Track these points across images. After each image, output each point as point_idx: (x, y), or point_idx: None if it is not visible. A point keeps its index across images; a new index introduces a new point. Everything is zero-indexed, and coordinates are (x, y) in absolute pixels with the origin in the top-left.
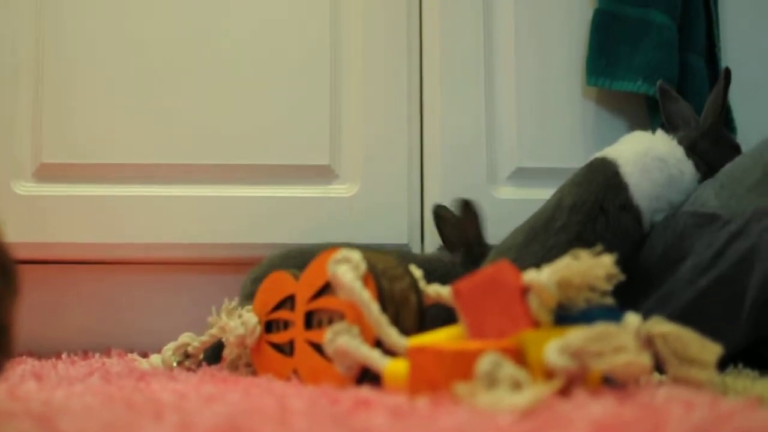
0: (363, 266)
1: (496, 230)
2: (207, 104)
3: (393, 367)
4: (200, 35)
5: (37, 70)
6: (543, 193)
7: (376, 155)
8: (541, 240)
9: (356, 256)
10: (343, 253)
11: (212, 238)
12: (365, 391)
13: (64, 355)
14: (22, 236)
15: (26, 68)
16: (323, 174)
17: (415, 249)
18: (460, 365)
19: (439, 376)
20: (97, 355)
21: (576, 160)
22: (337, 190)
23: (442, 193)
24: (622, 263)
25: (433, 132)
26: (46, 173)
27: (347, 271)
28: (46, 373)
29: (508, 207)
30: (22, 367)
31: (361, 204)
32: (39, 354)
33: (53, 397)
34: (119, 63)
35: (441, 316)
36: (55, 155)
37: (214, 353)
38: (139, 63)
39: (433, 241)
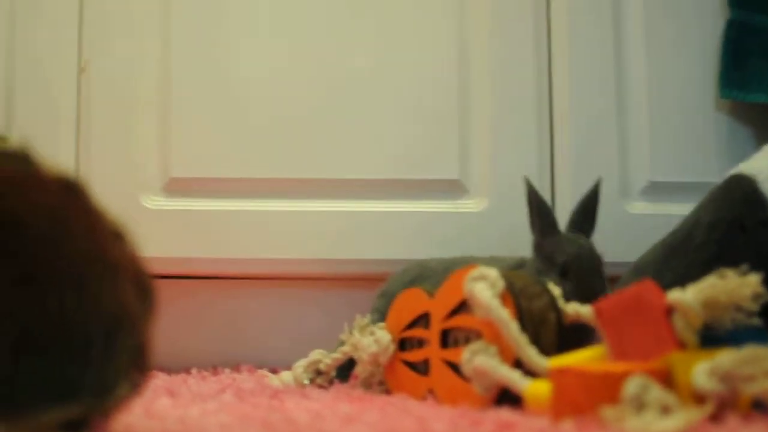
0: (501, 284)
1: (629, 246)
2: (336, 120)
3: (534, 389)
4: (332, 52)
5: (165, 85)
6: (676, 208)
7: (506, 170)
8: (680, 258)
9: (493, 273)
10: (480, 270)
11: (342, 253)
12: (506, 414)
13: (194, 371)
14: (151, 251)
15: (154, 84)
16: (453, 189)
17: None
18: (606, 388)
19: (583, 399)
20: (227, 371)
21: (710, 174)
22: (467, 205)
23: (573, 206)
24: (766, 282)
25: (564, 146)
26: (176, 188)
27: (484, 289)
28: (178, 390)
29: (641, 222)
30: (154, 382)
31: (491, 219)
32: (169, 369)
33: (188, 415)
34: (248, 78)
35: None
36: (184, 170)
37: (342, 370)
38: (265, 76)
39: None
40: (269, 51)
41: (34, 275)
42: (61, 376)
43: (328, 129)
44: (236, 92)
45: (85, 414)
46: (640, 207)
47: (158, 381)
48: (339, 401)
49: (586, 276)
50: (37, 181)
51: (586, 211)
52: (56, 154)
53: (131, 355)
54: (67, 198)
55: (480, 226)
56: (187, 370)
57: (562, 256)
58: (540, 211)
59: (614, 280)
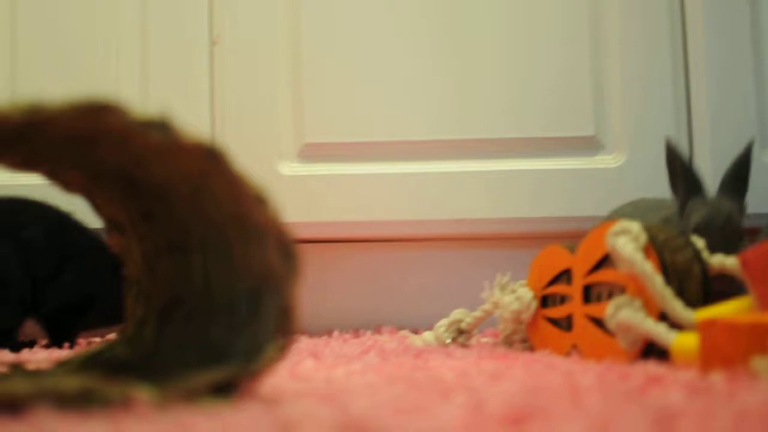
0: (644, 237)
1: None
2: (467, 78)
3: (681, 342)
4: (461, 12)
5: (296, 53)
6: None
7: (642, 124)
8: None
9: (636, 226)
10: (622, 224)
11: (479, 213)
12: (654, 367)
13: (335, 333)
14: (290, 216)
15: (286, 50)
16: (588, 145)
17: None
18: (756, 339)
19: (732, 351)
20: (368, 333)
21: None
22: (604, 160)
23: (712, 159)
24: None
25: (700, 97)
26: (310, 153)
27: (627, 243)
28: (322, 352)
29: None
30: (297, 345)
31: (629, 174)
32: (310, 332)
33: (333, 375)
34: (378, 40)
35: None
36: (318, 135)
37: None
38: (395, 40)
39: None
40: (397, 12)
41: (179, 242)
42: (207, 340)
43: (461, 89)
44: (366, 56)
45: (234, 377)
46: None
47: (301, 344)
48: (483, 359)
49: (717, 240)
50: (180, 149)
51: (738, 173)
52: (192, 125)
53: (277, 318)
54: (209, 164)
55: (617, 182)
56: (329, 333)
57: (696, 218)
58: (682, 173)
59: (754, 232)
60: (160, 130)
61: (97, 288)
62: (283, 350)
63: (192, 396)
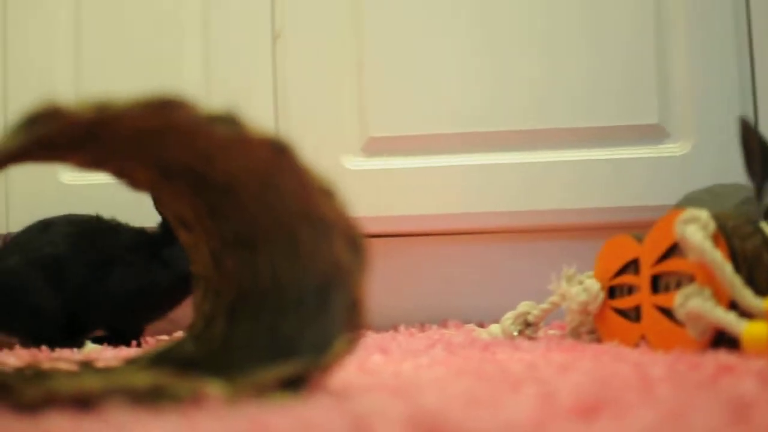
0: (712, 225)
1: None
2: (529, 68)
3: (752, 330)
4: None
5: (359, 47)
6: None
7: (708, 111)
8: None
9: (704, 214)
10: (690, 212)
11: (544, 204)
12: (725, 356)
13: (401, 328)
14: (354, 211)
15: (349, 44)
16: (653, 133)
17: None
18: None
19: None
20: (434, 327)
21: None
22: (669, 149)
23: None
24: None
25: (766, 81)
26: (375, 147)
27: (696, 231)
28: (389, 346)
29: None
30: (364, 340)
31: (695, 163)
32: (376, 327)
33: (402, 369)
34: (440, 32)
35: None
36: (382, 129)
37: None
38: (455, 30)
39: None
40: (455, 4)
41: (246, 237)
42: (277, 335)
43: (517, 78)
44: (428, 47)
45: (303, 372)
46: None
47: (368, 339)
48: (551, 351)
49: None
50: (247, 144)
51: None
52: (255, 120)
53: (345, 312)
54: (276, 158)
55: (683, 170)
56: (395, 328)
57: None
58: (758, 153)
59: None
60: (227, 124)
61: (143, 282)
62: (351, 344)
63: (262, 391)
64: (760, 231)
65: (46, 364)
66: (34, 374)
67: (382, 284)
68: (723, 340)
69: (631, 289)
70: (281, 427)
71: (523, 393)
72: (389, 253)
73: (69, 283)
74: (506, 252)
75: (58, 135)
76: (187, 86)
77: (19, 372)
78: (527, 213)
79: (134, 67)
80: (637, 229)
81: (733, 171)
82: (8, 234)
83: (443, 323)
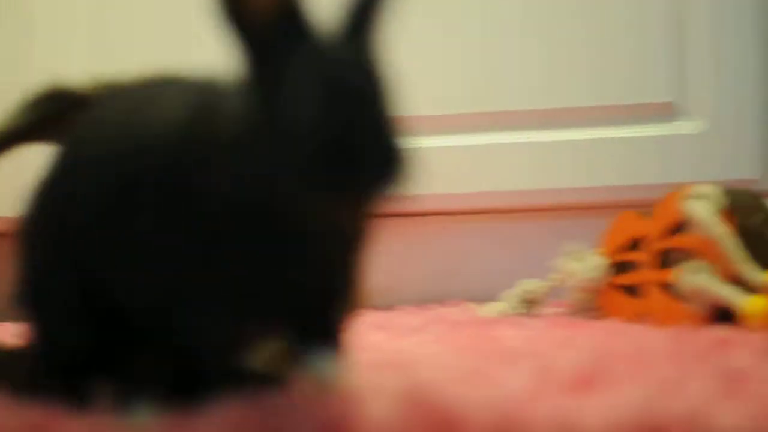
0: (718, 201)
1: None
2: (547, 48)
3: (753, 304)
4: None
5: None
6: None
7: (723, 88)
8: None
9: (710, 191)
10: (698, 189)
11: (550, 183)
12: (724, 330)
13: (400, 306)
14: None
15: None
16: (667, 111)
17: (767, 184)
18: None
19: None
20: (435, 306)
21: None
22: (684, 127)
23: None
24: None
25: None
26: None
27: (704, 207)
28: (389, 324)
29: None
30: (362, 319)
31: (710, 141)
32: (376, 306)
33: (402, 346)
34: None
35: None
36: None
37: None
38: (467, 12)
39: None
40: None
41: None
42: None
43: (538, 56)
44: (436, 31)
45: None
46: None
47: (368, 317)
48: (552, 327)
49: None
50: None
51: None
52: None
53: None
54: None
55: (698, 149)
56: (394, 307)
57: None
58: None
59: None
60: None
61: None
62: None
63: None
64: (763, 208)
65: None
66: None
67: (383, 263)
68: (726, 315)
69: (635, 266)
70: (276, 405)
71: (520, 367)
72: (390, 232)
73: None
74: (506, 230)
75: (64, 114)
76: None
77: None
78: (535, 192)
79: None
80: (648, 207)
81: (748, 147)
82: None
83: (442, 302)
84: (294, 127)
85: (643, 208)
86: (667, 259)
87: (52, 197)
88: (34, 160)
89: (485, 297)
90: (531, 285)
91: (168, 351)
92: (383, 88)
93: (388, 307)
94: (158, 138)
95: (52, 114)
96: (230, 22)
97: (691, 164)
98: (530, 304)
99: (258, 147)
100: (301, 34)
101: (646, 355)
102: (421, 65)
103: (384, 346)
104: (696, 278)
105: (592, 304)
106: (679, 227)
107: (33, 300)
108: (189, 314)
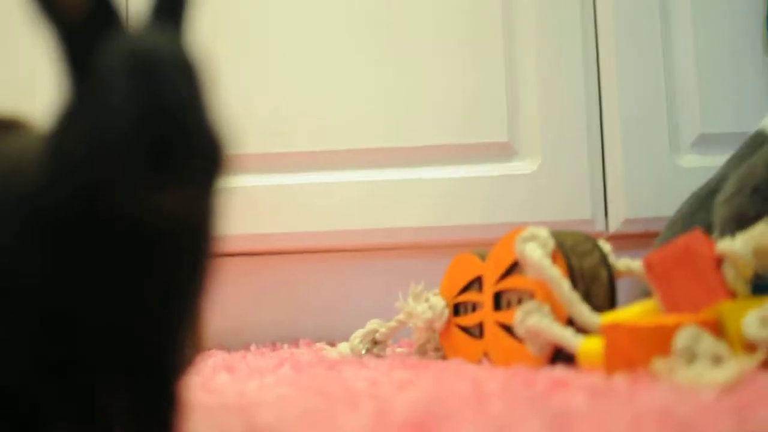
0: (551, 243)
1: (680, 200)
2: (382, 85)
3: (587, 346)
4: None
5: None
6: None
7: (555, 130)
8: (706, 210)
9: (544, 233)
10: (530, 230)
11: (394, 222)
12: (560, 371)
13: (252, 347)
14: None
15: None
16: (502, 151)
17: (599, 224)
18: (658, 341)
19: (635, 353)
20: (285, 346)
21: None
22: (518, 167)
23: (625, 164)
24: None
25: (612, 101)
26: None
27: (535, 249)
28: (237, 365)
29: (692, 176)
30: (212, 360)
31: (543, 180)
32: (228, 347)
33: (246, 389)
34: (302, 43)
35: None
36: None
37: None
38: (317, 44)
39: (617, 216)
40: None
41: None
42: None
43: (371, 95)
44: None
45: None
46: (691, 160)
47: (217, 358)
48: (395, 368)
49: None
50: None
51: None
52: None
53: None
54: None
55: (532, 188)
56: (246, 347)
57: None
58: None
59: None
60: None
61: None
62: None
63: None
64: (598, 249)
65: None
66: None
67: (234, 303)
68: (562, 356)
69: (475, 307)
70: None
71: (360, 410)
72: (241, 272)
73: None
74: (357, 269)
75: None
76: None
77: None
78: (380, 231)
79: None
80: (487, 247)
81: (579, 187)
82: None
83: (295, 342)
84: (107, 118)
85: (482, 247)
86: (504, 300)
87: None
88: None
89: (338, 337)
90: (377, 325)
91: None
92: (196, 73)
93: (240, 348)
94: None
95: None
96: (41, 11)
97: (527, 205)
98: (377, 345)
99: (74, 142)
100: (111, 21)
101: (484, 396)
102: (260, 101)
103: (228, 388)
104: (533, 319)
105: (436, 345)
106: (514, 268)
107: None
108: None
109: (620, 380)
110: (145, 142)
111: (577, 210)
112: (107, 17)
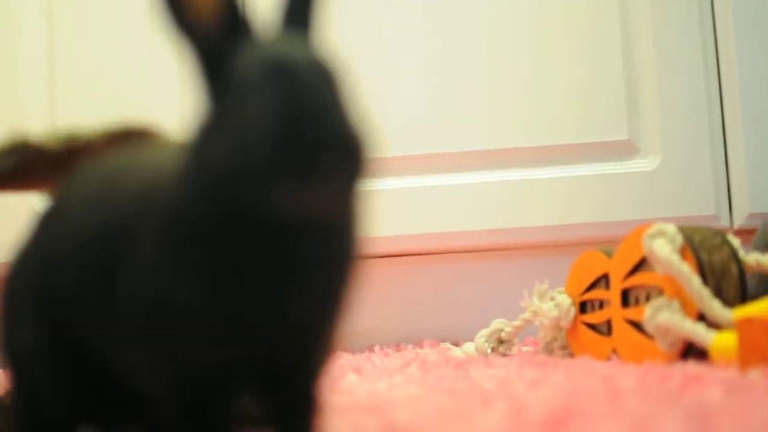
0: (680, 239)
1: None
2: (500, 89)
3: (720, 341)
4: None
5: None
6: None
7: (675, 126)
8: None
9: (671, 228)
10: (657, 227)
11: (517, 222)
12: (693, 367)
13: (377, 348)
14: None
15: None
16: (623, 149)
17: (724, 220)
18: None
19: None
20: (409, 347)
21: None
22: (639, 164)
23: (748, 158)
24: None
25: (733, 95)
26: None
27: (664, 245)
28: (364, 366)
29: None
30: (339, 362)
31: (665, 177)
32: (352, 348)
33: (376, 389)
34: (432, 46)
35: None
36: None
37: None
38: (428, 49)
39: (741, 211)
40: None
41: None
42: None
43: (490, 97)
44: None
45: None
46: None
47: (343, 360)
48: (524, 367)
49: None
50: None
51: None
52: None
53: None
54: None
55: (654, 185)
56: (370, 349)
57: None
58: None
59: None
60: None
61: None
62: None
63: None
64: (727, 243)
65: None
66: None
67: (359, 305)
68: (693, 351)
69: (602, 304)
70: None
71: (494, 408)
72: (366, 273)
73: None
74: (481, 269)
75: (28, 166)
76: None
77: None
78: (505, 231)
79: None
80: (607, 244)
81: (702, 183)
82: None
83: (418, 343)
84: (250, 127)
85: (605, 245)
86: (631, 297)
87: (33, 259)
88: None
89: (461, 337)
90: (502, 325)
91: (155, 412)
92: (334, 77)
93: (364, 349)
94: (137, 200)
95: (16, 166)
96: (175, 26)
97: (649, 202)
98: (502, 344)
99: (218, 153)
100: (245, 30)
101: (618, 393)
102: (393, 105)
103: (358, 388)
104: (663, 315)
105: (562, 343)
106: (642, 265)
107: (11, 358)
108: (181, 367)
109: (756, 375)
110: (290, 146)
111: (701, 206)
112: (239, 26)
